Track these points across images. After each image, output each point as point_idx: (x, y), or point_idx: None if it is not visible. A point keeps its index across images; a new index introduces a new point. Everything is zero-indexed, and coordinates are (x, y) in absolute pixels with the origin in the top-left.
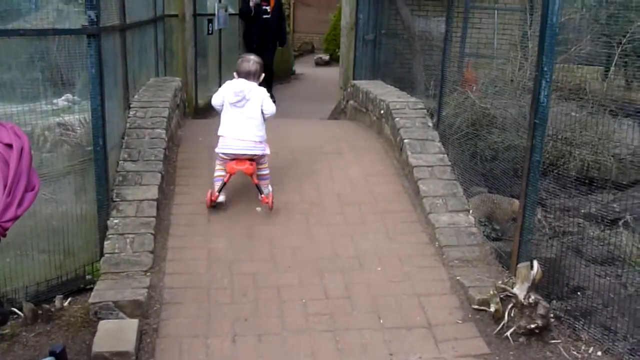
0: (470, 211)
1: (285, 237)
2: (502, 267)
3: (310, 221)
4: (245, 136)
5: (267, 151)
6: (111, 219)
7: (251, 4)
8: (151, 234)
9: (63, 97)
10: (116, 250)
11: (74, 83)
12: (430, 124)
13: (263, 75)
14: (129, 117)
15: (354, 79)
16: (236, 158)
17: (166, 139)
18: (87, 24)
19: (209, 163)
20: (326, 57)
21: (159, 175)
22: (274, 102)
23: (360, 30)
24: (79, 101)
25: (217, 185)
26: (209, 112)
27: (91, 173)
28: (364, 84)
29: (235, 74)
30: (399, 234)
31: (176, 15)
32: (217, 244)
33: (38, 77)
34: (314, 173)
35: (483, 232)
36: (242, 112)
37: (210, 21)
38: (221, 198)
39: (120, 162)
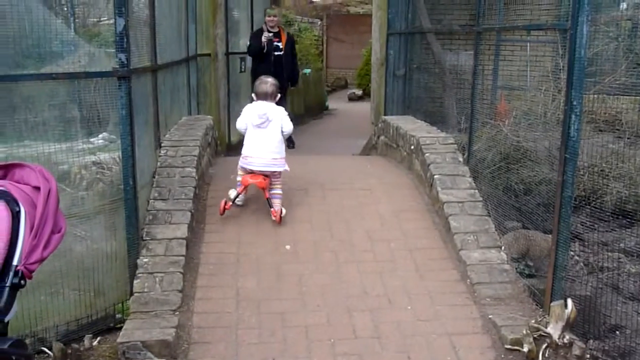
0: (503, 247)
1: (314, 275)
2: (536, 305)
3: (339, 259)
4: (268, 155)
5: (287, 167)
6: (141, 257)
7: (264, 39)
8: (180, 272)
9: (100, 136)
10: (145, 289)
11: (110, 122)
12: (461, 159)
13: (279, 95)
14: (159, 156)
15: (385, 114)
16: (253, 172)
17: (196, 178)
18: (117, 66)
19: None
20: (359, 92)
21: (189, 214)
22: (292, 145)
23: (390, 65)
24: (114, 139)
25: (232, 193)
26: (240, 149)
27: (122, 212)
28: (394, 120)
29: (253, 95)
30: (429, 271)
31: (209, 55)
32: (246, 282)
33: (75, 117)
34: (343, 209)
35: (516, 268)
36: (265, 132)
37: (242, 59)
38: (240, 199)
39: (150, 200)
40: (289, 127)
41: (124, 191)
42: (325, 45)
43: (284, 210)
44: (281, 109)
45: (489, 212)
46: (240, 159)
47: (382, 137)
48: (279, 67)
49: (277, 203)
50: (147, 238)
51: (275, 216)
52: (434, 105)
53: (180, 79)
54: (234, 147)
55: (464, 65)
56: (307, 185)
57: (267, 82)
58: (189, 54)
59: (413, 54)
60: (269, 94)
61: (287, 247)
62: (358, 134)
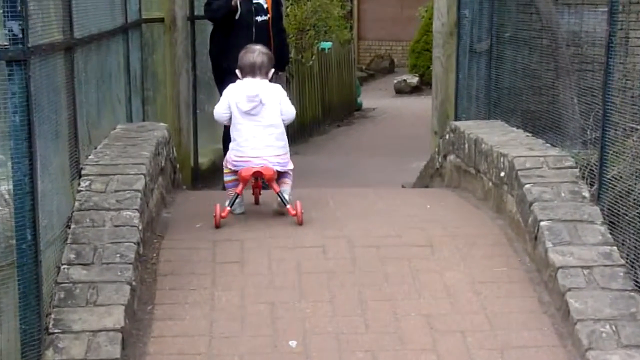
0: None
1: None
2: None
3: None
4: (265, 152)
5: (291, 166)
6: None
7: None
8: None
9: None
10: None
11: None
12: (587, 194)
13: (273, 70)
14: (79, 191)
15: (455, 117)
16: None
17: (140, 227)
18: (5, 43)
19: (214, 267)
20: (413, 80)
21: (127, 288)
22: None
23: (465, 36)
24: (3, 162)
25: (230, 195)
26: (216, 176)
27: (13, 286)
28: (471, 127)
29: (238, 72)
30: None
31: (161, 20)
32: None
33: None
34: (386, 281)
35: None
36: (259, 122)
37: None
38: (239, 210)
39: (63, 267)
40: (290, 111)
41: (17, 251)
42: (356, 3)
43: (299, 206)
44: (277, 86)
45: (637, 284)
46: (225, 160)
47: (451, 157)
48: (264, 40)
49: (287, 186)
50: (57, 330)
51: (294, 214)
52: (539, 102)
53: (114, 62)
54: (205, 175)
55: (594, 32)
56: (325, 240)
57: (255, 51)
58: (128, 20)
59: (503, 16)
60: (256, 66)
61: (292, 343)
62: (411, 150)
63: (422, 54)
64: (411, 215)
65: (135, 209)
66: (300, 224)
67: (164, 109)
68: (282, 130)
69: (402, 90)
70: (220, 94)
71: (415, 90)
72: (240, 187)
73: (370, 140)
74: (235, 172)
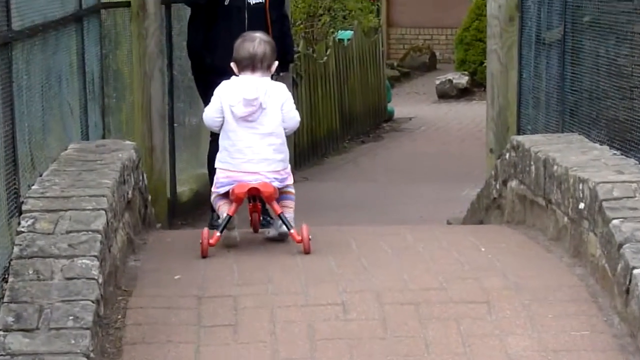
0: None
1: None
2: None
3: None
4: (262, 166)
5: (291, 181)
6: None
7: None
8: None
9: None
10: None
11: None
12: None
13: (276, 63)
14: (19, 232)
15: (518, 130)
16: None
17: (100, 280)
18: None
19: (199, 332)
20: (461, 80)
21: None
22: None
23: (530, 21)
24: None
25: (222, 216)
26: (200, 210)
27: None
28: (540, 144)
29: (233, 65)
30: None
31: (127, 4)
32: None
33: None
34: (427, 350)
35: None
36: (256, 129)
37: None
38: (233, 235)
39: None
40: (293, 117)
41: None
42: None
43: (305, 230)
44: (281, 86)
45: None
46: (216, 175)
47: (512, 184)
48: (260, 30)
49: (290, 210)
50: None
51: (299, 241)
52: (630, 109)
53: (64, 61)
54: (185, 209)
55: None
56: (346, 295)
57: (255, 39)
58: (83, 5)
59: None
60: (258, 58)
61: None
62: (460, 174)
63: (473, 46)
64: (460, 262)
65: (94, 256)
66: (307, 252)
67: (131, 121)
68: (283, 140)
69: (446, 94)
70: (204, 102)
71: (464, 93)
72: (232, 207)
73: (405, 161)
74: (226, 195)
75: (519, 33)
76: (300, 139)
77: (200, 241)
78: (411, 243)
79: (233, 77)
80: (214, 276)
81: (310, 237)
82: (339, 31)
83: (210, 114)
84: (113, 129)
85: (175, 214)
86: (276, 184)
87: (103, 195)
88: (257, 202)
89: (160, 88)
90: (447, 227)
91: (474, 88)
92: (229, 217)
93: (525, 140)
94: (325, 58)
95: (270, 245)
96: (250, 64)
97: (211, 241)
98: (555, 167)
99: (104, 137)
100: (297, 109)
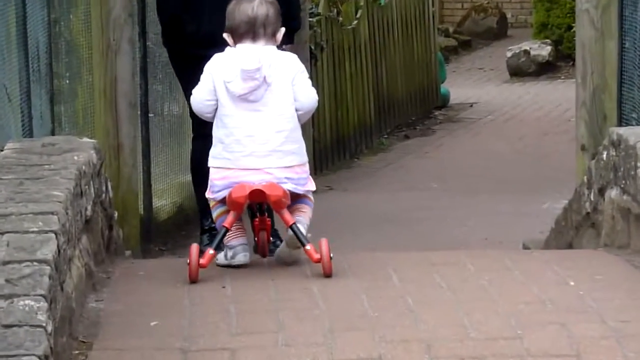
0: None
1: None
2: None
3: None
4: (269, 161)
5: (312, 186)
6: None
7: None
8: None
9: None
10: None
11: None
12: None
13: (283, 29)
14: None
15: (620, 120)
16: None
17: (49, 328)
18: None
19: None
20: (541, 52)
21: None
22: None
23: None
24: None
25: (221, 227)
26: (184, 229)
27: None
28: None
29: (227, 36)
30: None
31: None
32: None
33: None
34: None
35: None
36: (259, 111)
37: None
38: (241, 258)
39: None
40: (308, 95)
41: None
42: None
43: (325, 246)
44: (291, 56)
45: None
46: (210, 177)
47: (612, 193)
48: None
49: (303, 215)
50: None
51: (317, 260)
52: None
53: None
54: (164, 229)
55: None
56: (385, 346)
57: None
58: None
59: None
60: (261, 23)
61: None
62: (540, 181)
63: (557, 4)
64: (541, 300)
65: (41, 295)
66: (328, 275)
67: (90, 111)
68: (296, 125)
69: (521, 71)
70: (184, 88)
71: (545, 69)
72: (229, 217)
73: (465, 163)
74: (224, 201)
75: None
76: (321, 133)
77: (188, 261)
78: (473, 275)
79: (227, 49)
80: (204, 321)
81: (331, 255)
82: None
83: (199, 96)
84: (66, 121)
85: (150, 236)
86: (289, 186)
87: (52, 213)
88: (265, 216)
89: (129, 65)
90: (523, 252)
91: (559, 62)
92: (225, 230)
93: (630, 133)
94: (355, 22)
95: (280, 273)
96: (250, 31)
97: (202, 261)
98: None
99: (53, 133)
100: (317, 91)
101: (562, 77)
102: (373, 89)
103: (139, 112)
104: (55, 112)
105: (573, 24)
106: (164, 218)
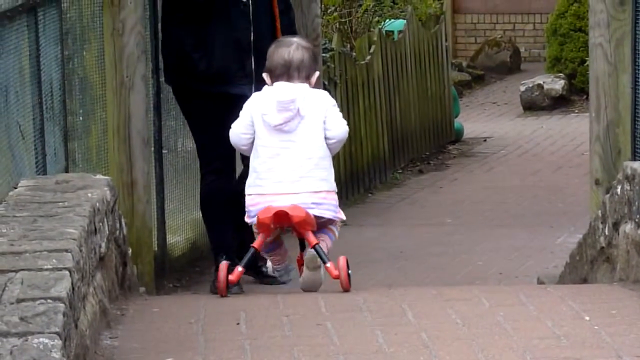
0: None
1: None
2: None
3: None
4: (298, 186)
5: (341, 216)
6: None
7: None
8: None
9: None
10: None
11: None
12: None
13: (318, 73)
14: None
15: (634, 155)
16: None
17: None
18: None
19: None
20: (554, 86)
21: None
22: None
23: None
24: None
25: (250, 248)
26: (199, 265)
27: None
28: None
29: (266, 76)
30: None
31: None
32: None
33: None
34: None
35: None
36: (292, 142)
37: None
38: (285, 276)
39: None
40: (339, 127)
41: None
42: None
43: (343, 263)
44: (323, 93)
45: None
46: (246, 203)
47: (627, 228)
48: (265, 24)
49: (326, 242)
50: None
51: (336, 276)
52: None
53: (12, 66)
54: (178, 265)
55: None
56: None
57: (292, 44)
58: None
59: None
60: (296, 67)
61: None
62: (554, 215)
63: (570, 38)
64: (556, 336)
65: (55, 333)
66: (346, 289)
67: (104, 148)
68: (327, 154)
69: (535, 105)
70: (192, 125)
71: (559, 103)
72: (258, 239)
73: (478, 197)
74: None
75: (633, 20)
76: (335, 167)
77: (216, 277)
78: (488, 310)
79: (265, 87)
80: (219, 358)
81: (349, 271)
82: (387, 20)
83: (237, 130)
84: (79, 158)
85: (164, 273)
86: (316, 211)
87: (67, 250)
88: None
89: (143, 102)
90: (538, 287)
91: (573, 96)
92: (254, 251)
93: None
94: (369, 57)
95: (294, 308)
96: (286, 73)
97: (231, 277)
98: None
99: (67, 171)
100: None
101: (576, 111)
102: (387, 124)
103: (152, 149)
104: (69, 149)
105: (586, 58)
106: (178, 254)
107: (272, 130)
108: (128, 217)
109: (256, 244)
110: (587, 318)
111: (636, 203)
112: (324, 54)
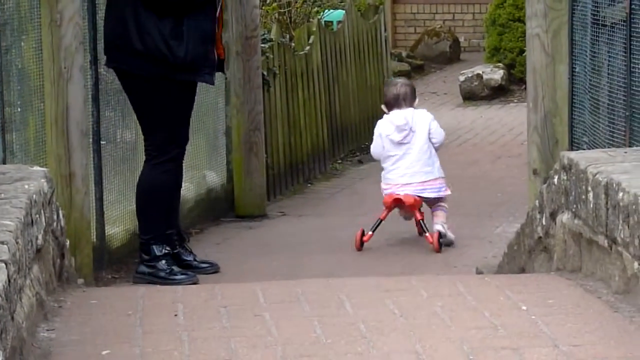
0: None
1: None
2: None
3: None
4: (413, 178)
5: (447, 191)
6: None
7: None
8: None
9: None
10: None
11: None
12: None
13: (417, 100)
14: None
15: (571, 144)
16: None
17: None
18: None
19: None
20: (493, 76)
21: None
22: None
23: None
24: None
25: (377, 219)
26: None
27: None
28: (600, 162)
29: (383, 107)
30: None
31: None
32: None
33: None
34: None
35: None
36: (410, 148)
37: None
38: None
39: None
40: (440, 135)
41: None
42: None
43: (444, 229)
44: (423, 111)
45: None
46: (381, 186)
47: (564, 217)
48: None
49: (440, 217)
50: None
51: (430, 242)
52: None
53: None
54: (118, 256)
55: None
56: None
57: (397, 83)
58: None
59: None
60: (400, 97)
61: None
62: (492, 206)
63: (509, 29)
64: (494, 326)
65: None
66: (438, 250)
67: (42, 139)
68: (432, 153)
69: (474, 95)
70: (154, 118)
71: (498, 93)
72: (384, 212)
73: None
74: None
75: (569, 11)
76: (274, 159)
77: (355, 238)
78: (426, 300)
79: (385, 116)
80: (156, 350)
81: (440, 240)
82: (326, 11)
83: (376, 150)
84: (17, 150)
85: (103, 264)
86: (427, 194)
87: (2, 242)
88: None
89: (81, 93)
90: (476, 277)
91: (512, 86)
92: (380, 221)
93: (580, 157)
94: (308, 48)
95: (231, 300)
96: (396, 103)
97: (365, 238)
98: (621, 195)
99: (4, 162)
100: (270, 117)
101: (515, 101)
102: (326, 114)
103: (90, 140)
104: (6, 141)
105: (525, 48)
106: (117, 245)
107: (395, 143)
108: (66, 208)
109: (382, 216)
110: (525, 308)
111: (573, 193)
112: (262, 45)
